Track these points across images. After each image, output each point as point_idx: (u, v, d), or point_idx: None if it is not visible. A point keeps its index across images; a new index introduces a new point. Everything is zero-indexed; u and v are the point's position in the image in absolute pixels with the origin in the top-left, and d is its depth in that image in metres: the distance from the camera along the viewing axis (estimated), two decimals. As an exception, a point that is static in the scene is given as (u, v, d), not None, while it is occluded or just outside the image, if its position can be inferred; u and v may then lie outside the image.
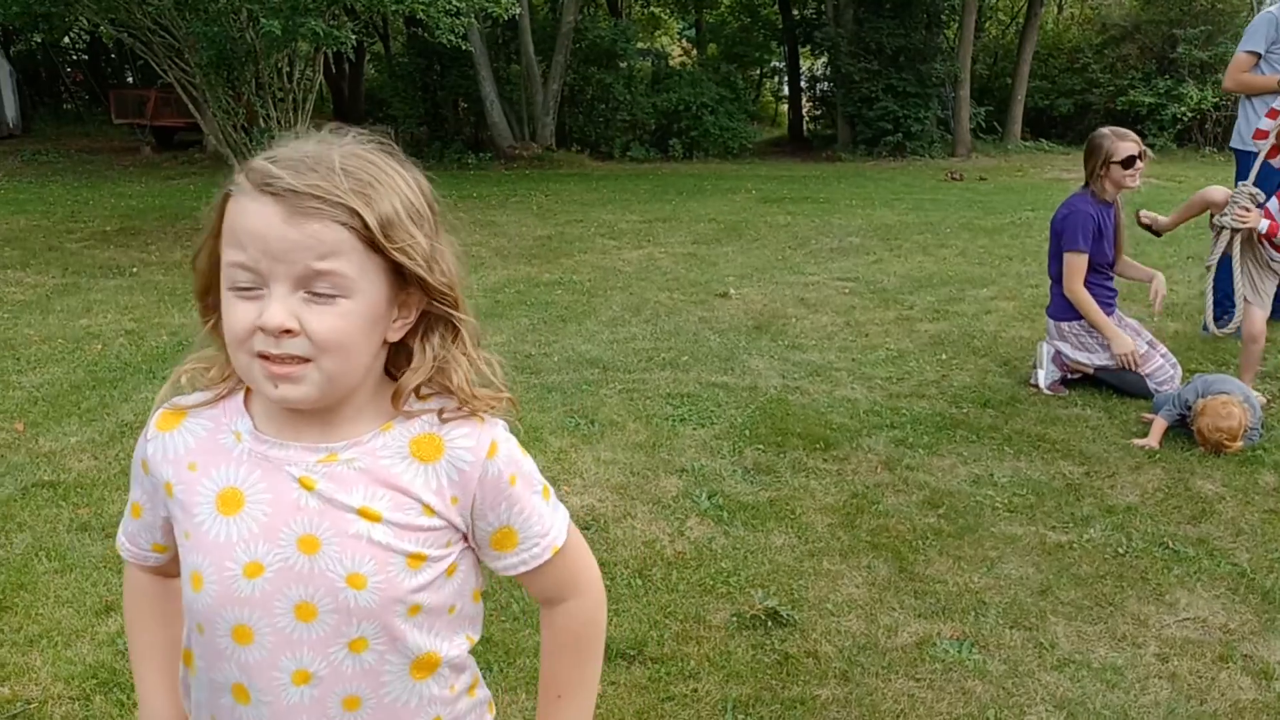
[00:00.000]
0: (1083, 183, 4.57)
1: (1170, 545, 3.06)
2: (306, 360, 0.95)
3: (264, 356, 0.95)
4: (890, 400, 4.50)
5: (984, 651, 2.53)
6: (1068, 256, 4.43)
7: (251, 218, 0.93)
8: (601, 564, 3.05)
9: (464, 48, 11.43)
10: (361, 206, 0.94)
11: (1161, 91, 19.08)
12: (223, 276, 0.97)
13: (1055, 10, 24.12)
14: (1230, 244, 4.61)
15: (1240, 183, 4.60)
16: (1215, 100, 18.73)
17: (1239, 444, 3.65)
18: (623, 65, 19.91)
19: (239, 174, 0.97)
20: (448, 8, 9.36)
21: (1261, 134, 4.63)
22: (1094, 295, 4.46)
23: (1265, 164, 4.62)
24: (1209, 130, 19.24)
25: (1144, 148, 4.42)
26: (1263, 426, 3.83)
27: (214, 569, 1.00)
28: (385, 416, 1.04)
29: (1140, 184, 4.53)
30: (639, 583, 2.88)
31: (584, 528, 3.21)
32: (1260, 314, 4.27)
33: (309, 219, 0.92)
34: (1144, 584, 2.84)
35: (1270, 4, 5.55)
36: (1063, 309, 4.52)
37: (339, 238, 0.94)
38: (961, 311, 6.18)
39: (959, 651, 2.52)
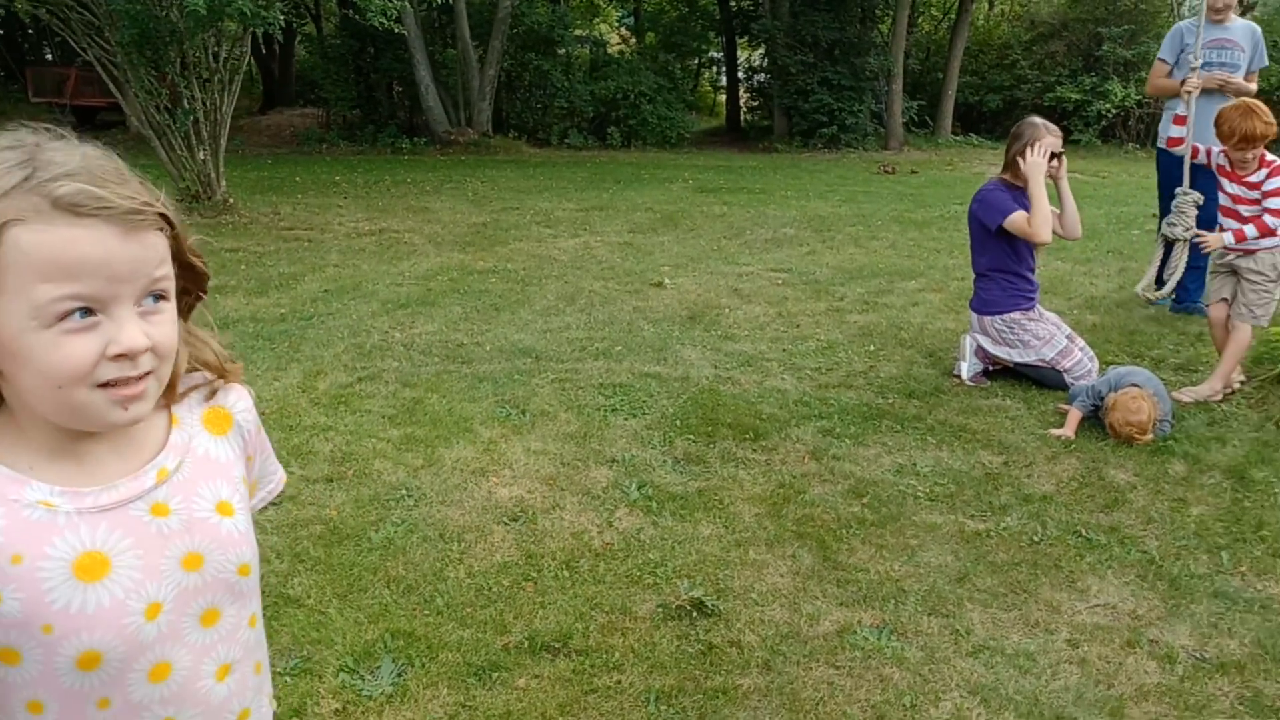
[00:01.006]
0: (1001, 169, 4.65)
1: (1083, 533, 3.15)
2: (148, 374, 0.93)
3: (110, 384, 0.90)
4: (819, 391, 4.56)
5: (902, 639, 2.58)
6: (1010, 222, 4.40)
7: (84, 245, 0.87)
8: (529, 556, 3.06)
9: (397, 30, 11.23)
10: (167, 209, 0.94)
11: (1087, 88, 19.59)
12: (32, 316, 0.87)
13: (986, 7, 24.56)
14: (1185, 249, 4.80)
15: (1179, 189, 4.79)
16: (1138, 98, 19.27)
17: (1149, 436, 3.77)
18: (561, 52, 19.82)
19: (16, 198, 0.86)
20: (380, -10, 9.23)
21: (1175, 141, 4.79)
22: (1015, 290, 4.55)
23: (1193, 165, 4.80)
24: (1132, 127, 19.80)
25: (1062, 150, 4.52)
26: (1173, 417, 3.96)
27: (111, 634, 0.94)
28: (164, 411, 1.04)
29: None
30: (566, 575, 2.88)
31: (512, 519, 3.22)
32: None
33: (142, 231, 0.90)
34: (1057, 571, 2.93)
35: (1189, 10, 5.81)
36: (986, 303, 4.62)
37: (162, 243, 0.93)
38: (890, 303, 6.28)
39: (878, 639, 2.57)
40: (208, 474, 1.04)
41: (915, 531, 3.18)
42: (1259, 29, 5.83)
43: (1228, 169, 4.31)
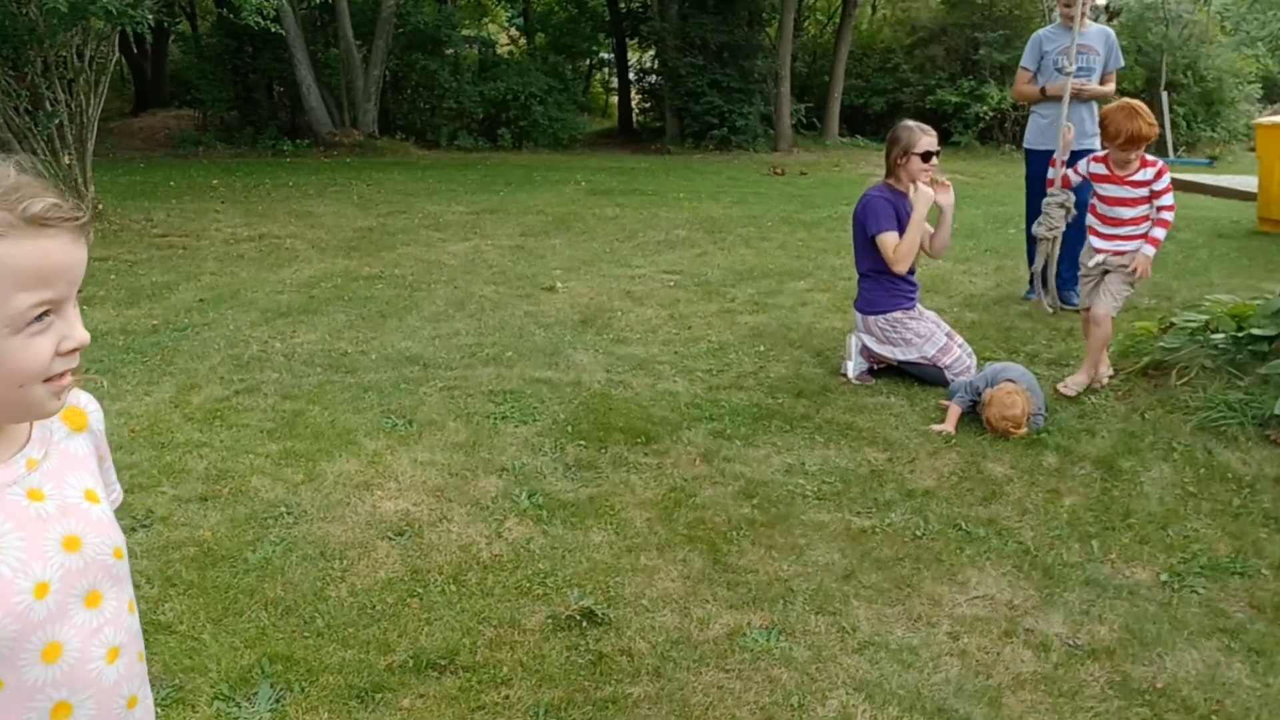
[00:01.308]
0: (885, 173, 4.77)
1: (963, 526, 3.24)
2: None
3: (53, 377, 0.99)
4: (710, 392, 4.58)
5: (790, 638, 2.60)
6: (880, 240, 4.57)
7: (57, 255, 0.96)
8: (415, 571, 2.99)
9: (274, 30, 10.87)
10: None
11: (966, 91, 20.28)
12: (5, 324, 0.95)
13: (869, 11, 25.19)
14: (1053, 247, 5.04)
15: (1050, 190, 5.02)
16: (1013, 101, 20.04)
17: (1024, 430, 3.91)
18: (449, 52, 19.53)
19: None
20: (255, -13, 8.93)
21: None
22: (897, 290, 4.66)
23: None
24: (1008, 129, 20.58)
25: (937, 150, 4.63)
26: (1046, 410, 4.11)
27: (2, 612, 0.98)
28: None
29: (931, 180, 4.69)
30: (453, 589, 2.82)
31: (398, 534, 3.13)
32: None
33: (82, 235, 1.01)
34: (939, 565, 3.00)
35: (1059, 16, 6.10)
36: (869, 303, 4.72)
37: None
38: (780, 304, 6.36)
39: (767, 640, 2.58)
40: (72, 465, 1.10)
41: (804, 530, 3.22)
42: (1112, 33, 6.14)
43: (1104, 174, 4.37)
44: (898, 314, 4.64)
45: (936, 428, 4.06)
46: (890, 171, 4.68)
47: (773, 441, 3.99)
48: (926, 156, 4.55)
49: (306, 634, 2.57)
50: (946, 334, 4.67)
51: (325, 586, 2.82)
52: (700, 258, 8.03)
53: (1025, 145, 6.29)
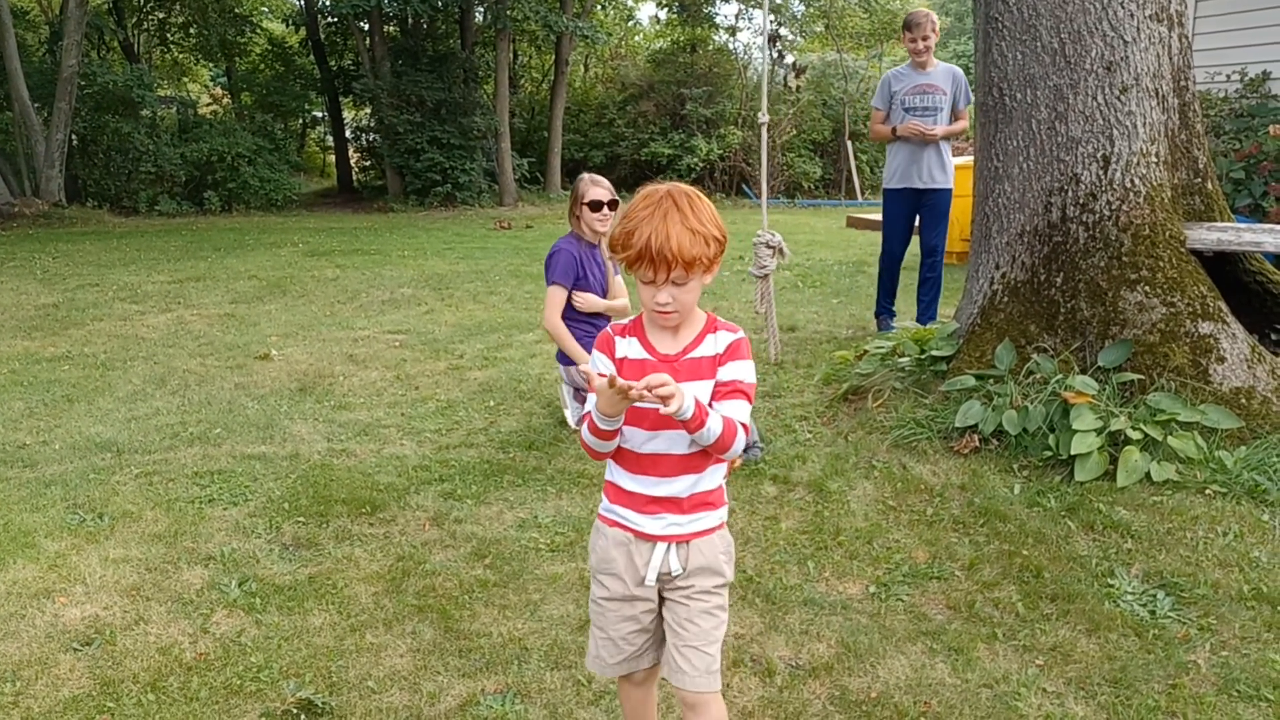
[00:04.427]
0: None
1: (691, 562, 3.30)
2: None
3: None
4: (440, 453, 4.46)
5: (526, 700, 2.53)
6: (549, 290, 4.61)
7: None
8: (105, 684, 2.67)
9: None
10: None
11: (677, 144, 21.37)
12: None
13: (581, 70, 26.06)
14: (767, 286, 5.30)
15: (757, 233, 5.30)
16: (720, 152, 21.35)
17: (738, 462, 4.08)
18: (144, 113, 18.25)
19: None
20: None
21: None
22: (589, 339, 4.69)
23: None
24: (718, 178, 21.85)
25: (615, 197, 4.63)
26: (763, 441, 4.31)
27: None
28: None
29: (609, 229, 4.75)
30: (151, 699, 2.53)
31: (84, 643, 2.80)
32: None
33: None
34: (670, 604, 3.03)
35: (754, 74, 6.51)
36: (561, 354, 4.72)
37: None
38: (509, 357, 6.34)
39: (503, 705, 2.50)
40: None
41: (538, 586, 3.17)
42: (960, 70, 6.16)
43: (639, 358, 1.91)
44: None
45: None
46: (571, 221, 4.72)
47: (505, 497, 3.93)
48: (595, 206, 4.58)
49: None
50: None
51: (-8, 718, 2.45)
52: (427, 315, 7.88)
53: (884, 185, 6.39)
